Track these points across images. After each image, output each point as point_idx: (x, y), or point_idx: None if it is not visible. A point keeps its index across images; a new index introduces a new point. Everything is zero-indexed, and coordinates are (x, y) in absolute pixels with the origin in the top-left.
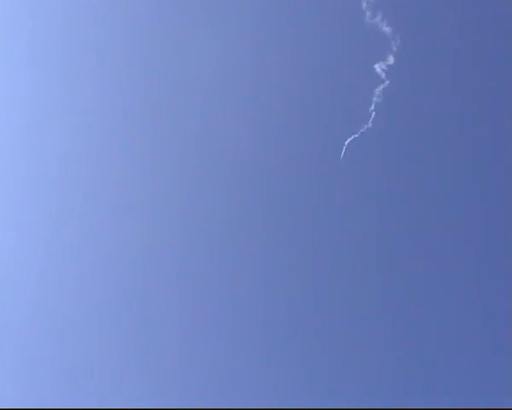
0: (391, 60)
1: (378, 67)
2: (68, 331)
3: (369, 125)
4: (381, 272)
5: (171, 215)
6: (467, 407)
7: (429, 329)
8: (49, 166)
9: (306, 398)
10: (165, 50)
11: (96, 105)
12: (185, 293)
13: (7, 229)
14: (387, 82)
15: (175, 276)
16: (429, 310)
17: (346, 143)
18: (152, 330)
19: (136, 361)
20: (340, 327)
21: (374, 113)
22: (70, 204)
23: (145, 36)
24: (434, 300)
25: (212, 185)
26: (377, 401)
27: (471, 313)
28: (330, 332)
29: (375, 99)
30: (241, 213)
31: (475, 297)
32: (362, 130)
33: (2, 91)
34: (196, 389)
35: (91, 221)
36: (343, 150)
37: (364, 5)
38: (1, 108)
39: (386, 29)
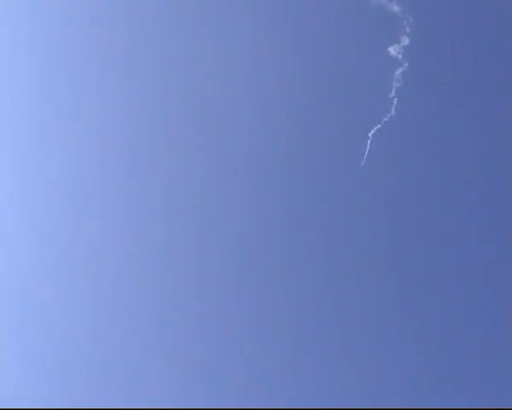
0: (406, 40)
1: (393, 50)
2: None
3: (392, 112)
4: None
5: (172, 216)
6: (467, 407)
7: (429, 329)
8: (51, 166)
9: (306, 398)
10: (167, 51)
11: (95, 106)
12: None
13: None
14: (406, 64)
15: (178, 275)
16: (430, 310)
17: (370, 134)
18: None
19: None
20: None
21: (396, 99)
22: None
23: (146, 36)
24: (436, 300)
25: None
26: (377, 400)
27: (471, 312)
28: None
29: (394, 84)
30: (255, 213)
31: (476, 297)
32: (385, 119)
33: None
34: (196, 389)
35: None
36: (367, 145)
37: None
38: (3, 109)
39: (396, 8)
